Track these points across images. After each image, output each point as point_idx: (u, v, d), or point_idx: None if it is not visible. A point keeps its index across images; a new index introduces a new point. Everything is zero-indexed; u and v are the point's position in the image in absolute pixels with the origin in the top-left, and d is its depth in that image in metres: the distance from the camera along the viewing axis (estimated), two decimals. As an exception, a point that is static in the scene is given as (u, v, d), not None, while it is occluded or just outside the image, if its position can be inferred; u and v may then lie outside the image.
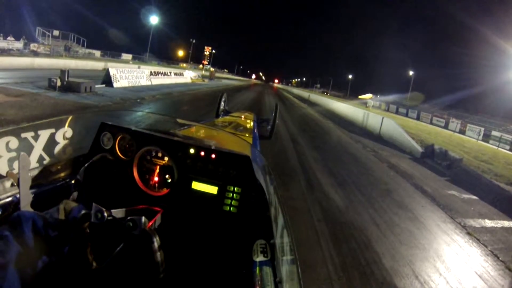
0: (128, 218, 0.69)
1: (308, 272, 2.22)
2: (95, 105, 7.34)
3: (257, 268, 0.86)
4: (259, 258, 0.89)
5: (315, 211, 3.41)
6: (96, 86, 9.77)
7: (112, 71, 11.60)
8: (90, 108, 6.86)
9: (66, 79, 8.39)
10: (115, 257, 0.58)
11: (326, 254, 2.53)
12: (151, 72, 15.62)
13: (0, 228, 0.55)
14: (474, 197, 5.43)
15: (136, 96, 10.09)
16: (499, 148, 15.68)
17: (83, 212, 0.65)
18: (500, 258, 3.21)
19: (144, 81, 14.29)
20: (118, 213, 0.73)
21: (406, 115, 31.49)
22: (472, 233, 3.70)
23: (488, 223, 4.25)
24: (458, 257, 3.04)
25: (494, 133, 18.69)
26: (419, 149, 8.60)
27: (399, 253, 2.83)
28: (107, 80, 11.33)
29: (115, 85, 11.45)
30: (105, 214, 0.66)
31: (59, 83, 8.23)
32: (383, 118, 11.74)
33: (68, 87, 8.35)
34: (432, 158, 8.09)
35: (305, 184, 4.38)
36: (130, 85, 12.62)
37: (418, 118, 28.94)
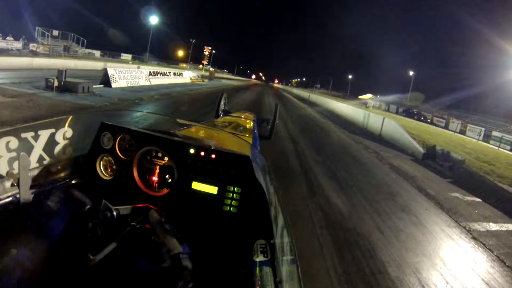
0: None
1: (310, 284, 2.12)
2: (92, 105, 7.24)
3: (257, 268, 0.86)
4: (259, 258, 0.89)
5: (317, 217, 3.32)
6: (94, 86, 9.66)
7: (110, 71, 11.48)
8: (86, 109, 6.77)
9: (64, 79, 8.29)
10: (115, 252, 0.57)
11: (329, 264, 2.44)
12: (150, 72, 15.52)
13: None
14: (478, 199, 5.35)
15: (135, 96, 9.99)
16: (500, 149, 15.63)
17: (88, 207, 0.65)
18: (506, 264, 3.13)
19: (143, 81, 14.19)
20: (123, 210, 0.73)
21: (406, 115, 31.43)
22: (478, 238, 3.62)
23: (493, 226, 4.17)
24: (464, 264, 2.95)
25: (494, 133, 18.65)
26: (421, 150, 8.51)
27: (405, 261, 2.73)
28: (106, 80, 11.22)
29: (114, 85, 11.35)
30: (114, 213, 0.66)
31: (56, 84, 8.13)
32: (384, 118, 11.65)
33: (66, 88, 8.25)
34: (434, 159, 8.02)
35: (306, 187, 4.28)
36: (129, 85, 12.53)
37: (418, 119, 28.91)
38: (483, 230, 3.96)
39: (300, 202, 3.69)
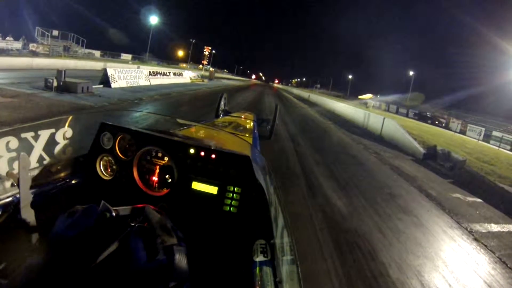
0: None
1: (311, 286, 2.10)
2: (92, 106, 7.21)
3: (257, 268, 0.85)
4: (259, 258, 0.89)
5: (317, 218, 3.29)
6: (94, 86, 9.64)
7: (110, 71, 11.45)
8: (86, 109, 6.74)
9: (63, 79, 8.26)
10: (115, 253, 0.57)
11: (330, 266, 2.41)
12: (150, 72, 15.49)
13: None
14: (479, 200, 5.33)
15: (134, 96, 9.96)
16: (500, 149, 15.60)
17: (88, 207, 0.64)
18: (508, 265, 3.11)
19: (143, 81, 14.17)
20: (123, 211, 0.73)
21: (407, 115, 31.40)
22: (479, 239, 3.60)
23: (494, 227, 4.15)
24: (466, 266, 2.93)
25: (495, 133, 18.61)
26: (422, 150, 8.49)
27: (406, 263, 2.71)
28: (105, 80, 11.19)
29: (113, 85, 11.32)
30: (114, 214, 0.66)
31: (55, 84, 8.10)
32: (384, 118, 11.62)
33: (65, 88, 8.23)
34: (435, 159, 7.99)
35: (306, 188, 4.25)
36: (129, 85, 12.50)
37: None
38: (485, 231, 3.93)
39: (300, 202, 3.67)
